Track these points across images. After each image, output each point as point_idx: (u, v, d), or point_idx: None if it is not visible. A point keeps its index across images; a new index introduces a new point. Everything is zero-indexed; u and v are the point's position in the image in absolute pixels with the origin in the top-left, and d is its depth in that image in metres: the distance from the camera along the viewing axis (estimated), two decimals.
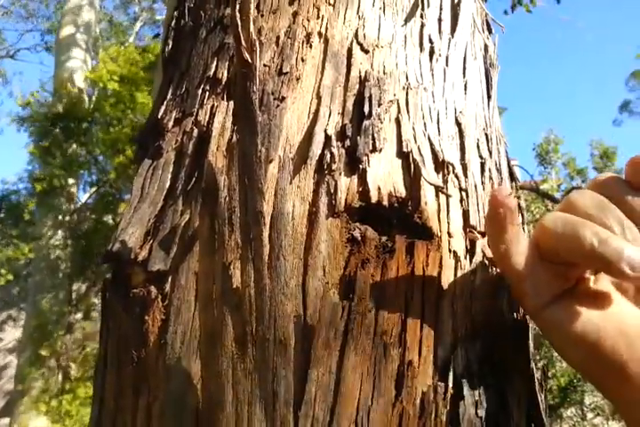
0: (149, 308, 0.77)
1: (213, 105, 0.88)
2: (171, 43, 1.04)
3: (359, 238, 0.74)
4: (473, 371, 0.71)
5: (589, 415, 9.67)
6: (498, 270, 0.82)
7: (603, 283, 0.64)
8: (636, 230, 0.59)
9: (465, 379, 0.69)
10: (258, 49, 0.67)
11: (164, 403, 0.72)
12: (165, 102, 0.94)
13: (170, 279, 0.77)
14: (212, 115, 0.87)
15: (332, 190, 0.77)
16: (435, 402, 0.67)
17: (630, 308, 0.62)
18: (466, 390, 0.68)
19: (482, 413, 0.68)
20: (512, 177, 1.04)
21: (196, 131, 0.87)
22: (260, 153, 0.65)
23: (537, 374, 0.85)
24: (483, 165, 0.92)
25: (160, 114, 0.92)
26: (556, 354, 9.41)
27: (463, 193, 0.85)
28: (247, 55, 0.64)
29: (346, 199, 0.77)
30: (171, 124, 0.90)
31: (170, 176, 0.86)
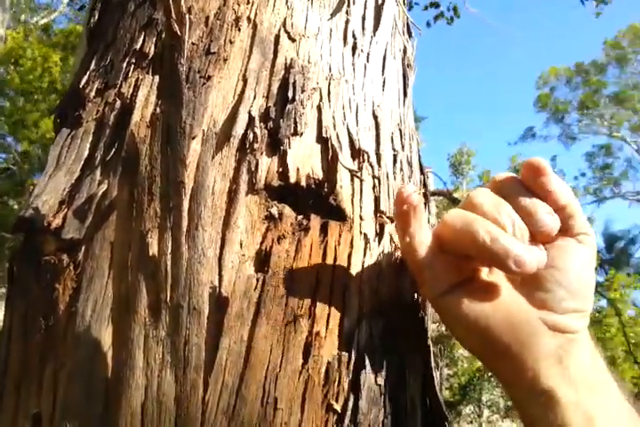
0: (60, 276, 0.76)
1: (138, 78, 0.88)
2: (97, 14, 1.02)
3: (276, 216, 0.77)
4: (375, 344, 0.76)
5: (486, 413, 10.23)
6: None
7: (495, 274, 0.71)
8: (525, 228, 0.66)
9: (367, 351, 0.74)
10: (187, 24, 0.68)
11: (73, 370, 0.72)
12: (88, 73, 0.93)
13: (83, 248, 0.77)
14: (137, 87, 0.87)
15: (253, 169, 0.79)
16: (339, 371, 0.71)
17: (517, 296, 0.69)
18: (367, 361, 0.73)
19: (381, 381, 0.73)
20: (421, 171, 1.11)
21: (118, 102, 0.87)
22: (184, 125, 0.66)
23: (432, 352, 0.92)
24: (395, 156, 0.98)
25: (82, 84, 0.91)
26: (457, 354, 9.90)
27: (376, 180, 0.90)
28: (177, 28, 0.66)
29: (266, 178, 0.80)
30: (92, 94, 0.89)
31: (89, 146, 0.85)
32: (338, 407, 0.70)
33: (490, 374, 9.26)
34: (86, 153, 0.84)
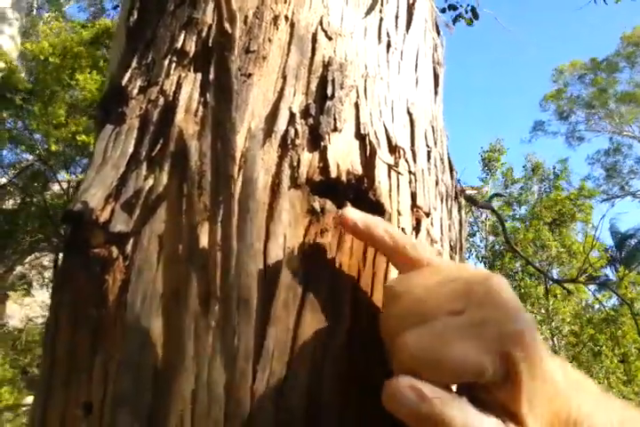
0: (110, 267, 0.78)
1: (180, 76, 0.90)
2: (136, 13, 1.05)
3: (318, 210, 0.79)
4: None
5: None
6: (439, 247, 0.89)
7: None
8: None
9: None
10: (236, 23, 0.70)
11: (123, 360, 0.74)
12: (130, 71, 0.95)
13: (131, 241, 0.79)
14: (179, 85, 0.89)
15: (295, 164, 0.81)
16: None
17: None
18: None
19: None
20: (451, 168, 1.13)
21: (161, 99, 0.89)
22: (233, 120, 0.68)
23: None
24: (429, 153, 1.00)
25: (124, 82, 0.93)
26: None
27: (412, 176, 0.92)
28: (227, 25, 0.68)
29: (307, 173, 0.82)
30: (135, 91, 0.92)
31: (133, 142, 0.87)
32: None
33: None
34: (131, 149, 0.86)
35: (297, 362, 0.70)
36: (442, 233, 0.94)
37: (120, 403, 0.73)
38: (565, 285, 6.96)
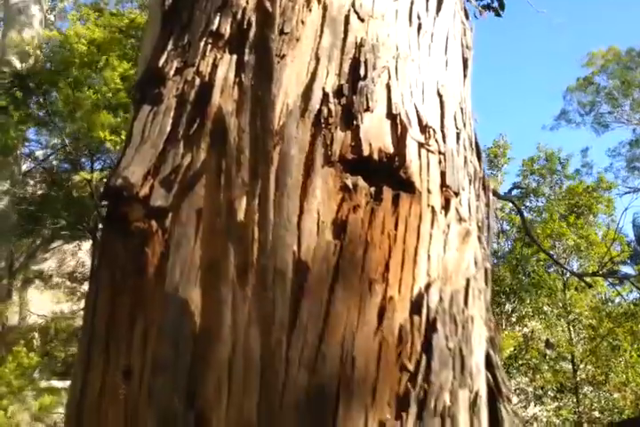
0: (150, 240, 0.81)
1: (216, 57, 0.93)
2: None
3: (351, 187, 0.81)
4: (444, 310, 0.79)
5: (514, 400, 10.23)
6: (466, 226, 0.91)
7: None
8: None
9: (437, 316, 0.78)
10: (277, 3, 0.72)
11: (162, 329, 0.77)
12: (166, 53, 0.97)
13: (170, 215, 0.82)
14: (215, 66, 0.91)
15: (328, 142, 0.83)
16: (411, 333, 0.75)
17: None
18: (439, 325, 0.77)
19: (451, 345, 0.77)
20: (478, 150, 1.14)
21: (197, 80, 0.91)
22: (273, 98, 0.70)
23: (494, 328, 0.95)
24: (458, 134, 1.01)
25: (160, 63, 0.96)
26: None
27: (441, 156, 0.93)
28: (268, 4, 0.70)
29: (340, 151, 0.84)
30: (172, 72, 0.94)
31: (170, 121, 0.90)
32: (411, 367, 0.74)
33: (519, 362, 9.24)
34: (169, 128, 0.89)
35: (329, 334, 0.73)
36: (470, 213, 0.95)
37: (159, 369, 0.76)
38: (584, 279, 6.90)
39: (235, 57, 0.92)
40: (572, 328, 9.58)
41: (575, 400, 9.16)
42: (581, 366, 9.43)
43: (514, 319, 9.79)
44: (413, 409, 0.71)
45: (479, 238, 0.97)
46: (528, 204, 11.07)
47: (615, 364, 9.25)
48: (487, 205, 1.06)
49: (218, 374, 0.72)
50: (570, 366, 9.41)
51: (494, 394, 0.84)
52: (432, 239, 0.84)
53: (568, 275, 9.23)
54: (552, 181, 11.09)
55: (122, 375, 0.79)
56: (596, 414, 9.34)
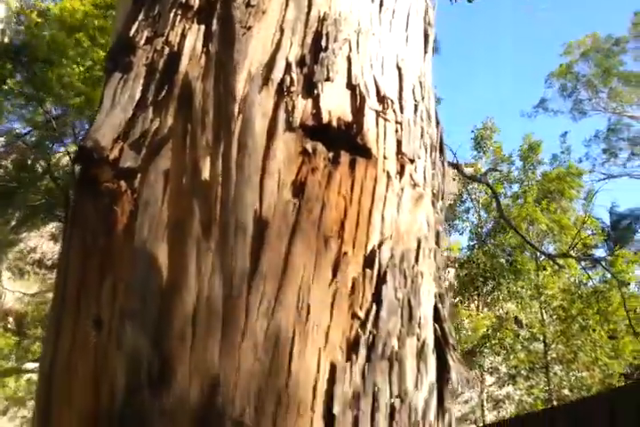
0: (119, 199, 0.86)
1: (185, 28, 0.97)
2: None
3: (310, 151, 0.87)
4: (395, 265, 0.86)
5: (488, 379, 10.50)
6: (420, 190, 0.97)
7: None
8: None
9: (388, 270, 0.84)
10: None
11: (131, 281, 0.82)
12: (137, 23, 1.01)
13: (139, 176, 0.87)
14: (183, 36, 0.95)
15: (290, 109, 0.89)
16: (363, 285, 0.82)
17: None
18: (389, 278, 0.83)
19: (400, 296, 0.84)
20: (437, 123, 1.20)
21: (167, 49, 0.95)
22: (235, 64, 0.75)
23: (445, 283, 1.02)
24: (416, 106, 1.07)
25: (131, 33, 1.00)
26: (458, 323, 10.13)
27: (398, 125, 0.99)
28: None
29: (301, 118, 0.89)
30: (142, 42, 0.98)
31: (140, 88, 0.94)
32: (362, 315, 0.80)
33: (493, 341, 9.47)
34: (138, 94, 0.93)
35: (287, 284, 0.79)
36: (425, 180, 1.02)
37: (127, 319, 0.81)
38: (556, 260, 7.07)
39: (202, 27, 0.96)
40: (543, 310, 9.83)
41: (546, 379, 9.45)
42: (552, 345, 9.70)
43: (489, 301, 10.01)
44: (362, 352, 0.78)
45: (433, 203, 1.04)
46: (503, 190, 11.26)
47: (584, 343, 9.54)
48: (443, 174, 1.13)
49: (183, 321, 0.78)
50: (541, 346, 9.68)
51: (441, 344, 0.91)
52: (386, 202, 0.91)
53: (542, 258, 9.45)
54: (526, 168, 11.27)
55: (92, 325, 0.85)
56: (566, 391, 9.64)
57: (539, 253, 9.24)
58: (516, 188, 11.32)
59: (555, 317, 10.02)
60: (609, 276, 9.47)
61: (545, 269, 9.89)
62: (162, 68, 0.95)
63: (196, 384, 0.74)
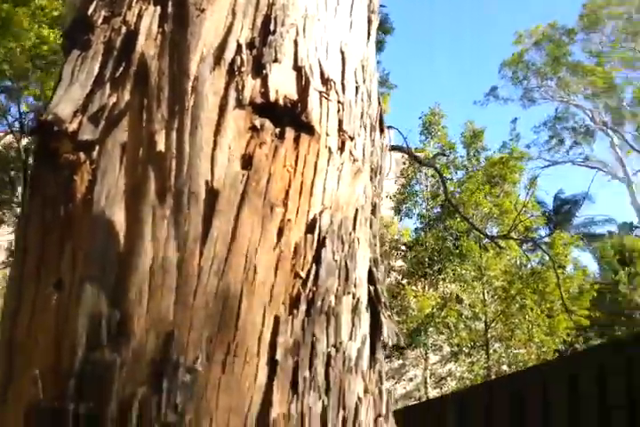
0: (78, 170, 0.92)
1: (141, 8, 1.02)
2: None
3: (258, 127, 0.95)
4: (333, 231, 0.95)
5: (431, 357, 10.91)
6: (358, 165, 1.07)
7: None
8: None
9: (327, 235, 0.94)
10: None
11: (90, 248, 0.89)
12: (94, 2, 1.06)
13: (97, 148, 0.93)
14: (140, 16, 1.01)
15: (240, 88, 0.96)
16: (304, 248, 0.91)
17: None
18: (328, 242, 0.93)
19: (337, 258, 0.93)
20: (378, 103, 1.29)
21: (124, 28, 1.01)
22: (189, 44, 0.82)
23: (378, 252, 1.13)
24: (357, 88, 1.16)
25: (89, 12, 1.04)
26: (407, 303, 10.44)
27: (340, 105, 1.08)
28: None
29: (250, 96, 0.97)
30: (100, 21, 1.03)
31: (98, 65, 0.99)
32: (303, 275, 0.90)
33: (437, 320, 9.83)
34: (96, 71, 0.98)
35: (236, 247, 0.87)
36: (364, 156, 1.11)
37: (88, 281, 0.88)
38: (498, 243, 7.41)
39: (158, 9, 1.02)
40: (485, 290, 10.26)
41: (486, 356, 9.91)
42: (492, 324, 10.15)
43: (434, 282, 10.37)
44: (303, 307, 0.88)
45: (371, 178, 1.14)
46: (450, 175, 11.57)
47: (522, 322, 10.02)
48: (382, 151, 1.23)
49: (140, 282, 0.85)
50: (482, 325, 10.13)
51: (375, 303, 1.02)
52: (327, 174, 1.00)
53: (485, 241, 9.83)
54: (470, 154, 11.61)
55: (53, 288, 0.91)
56: (504, 367, 10.14)
57: (482, 236, 9.61)
58: (461, 174, 11.69)
59: (495, 297, 10.47)
60: (547, 258, 9.97)
61: (488, 250, 10.30)
62: (119, 47, 1.00)
63: (153, 338, 0.82)
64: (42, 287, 0.93)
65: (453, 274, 10.11)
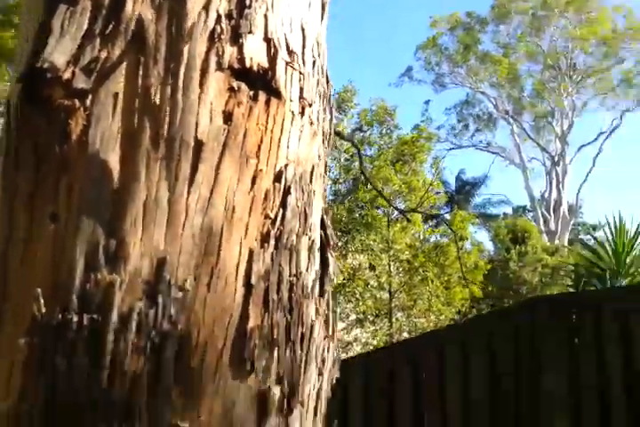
0: (73, 114, 1.03)
1: None
2: None
3: (236, 88, 1.10)
4: (296, 182, 1.13)
5: (340, 324, 11.43)
6: (315, 128, 1.25)
7: None
8: None
9: (292, 185, 1.11)
10: None
11: (86, 184, 1.01)
12: None
13: (90, 96, 1.04)
14: None
15: (220, 53, 1.10)
16: (273, 194, 1.08)
17: None
18: (292, 190, 1.10)
19: (299, 204, 1.11)
20: (327, 77, 1.46)
21: None
22: (187, 12, 0.96)
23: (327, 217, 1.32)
24: (314, 62, 1.32)
25: None
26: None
27: (301, 75, 1.24)
28: None
29: (229, 61, 1.11)
30: None
31: (87, 22, 1.09)
32: (272, 216, 1.07)
33: (347, 289, 10.30)
34: (85, 26, 1.08)
35: (217, 189, 1.03)
36: (318, 121, 1.29)
37: (84, 214, 1.00)
38: (407, 216, 7.89)
39: None
40: (392, 262, 10.87)
41: (389, 324, 10.56)
42: (396, 294, 10.81)
43: (344, 253, 10.81)
44: (272, 242, 1.05)
45: (323, 141, 1.32)
46: (363, 152, 11.96)
47: (423, 293, 10.73)
48: (330, 119, 1.41)
49: (134, 215, 0.99)
50: (387, 295, 10.76)
51: (324, 245, 1.21)
52: (291, 134, 1.17)
53: (394, 215, 10.40)
54: (383, 132, 12.05)
55: (49, 218, 1.02)
56: (405, 335, 10.85)
57: (391, 211, 10.13)
58: (373, 151, 12.14)
59: (400, 269, 11.11)
60: (447, 235, 10.66)
61: (395, 224, 10.88)
62: (108, 5, 1.10)
63: (147, 262, 0.96)
64: (36, 217, 1.03)
65: (361, 244, 10.59)
